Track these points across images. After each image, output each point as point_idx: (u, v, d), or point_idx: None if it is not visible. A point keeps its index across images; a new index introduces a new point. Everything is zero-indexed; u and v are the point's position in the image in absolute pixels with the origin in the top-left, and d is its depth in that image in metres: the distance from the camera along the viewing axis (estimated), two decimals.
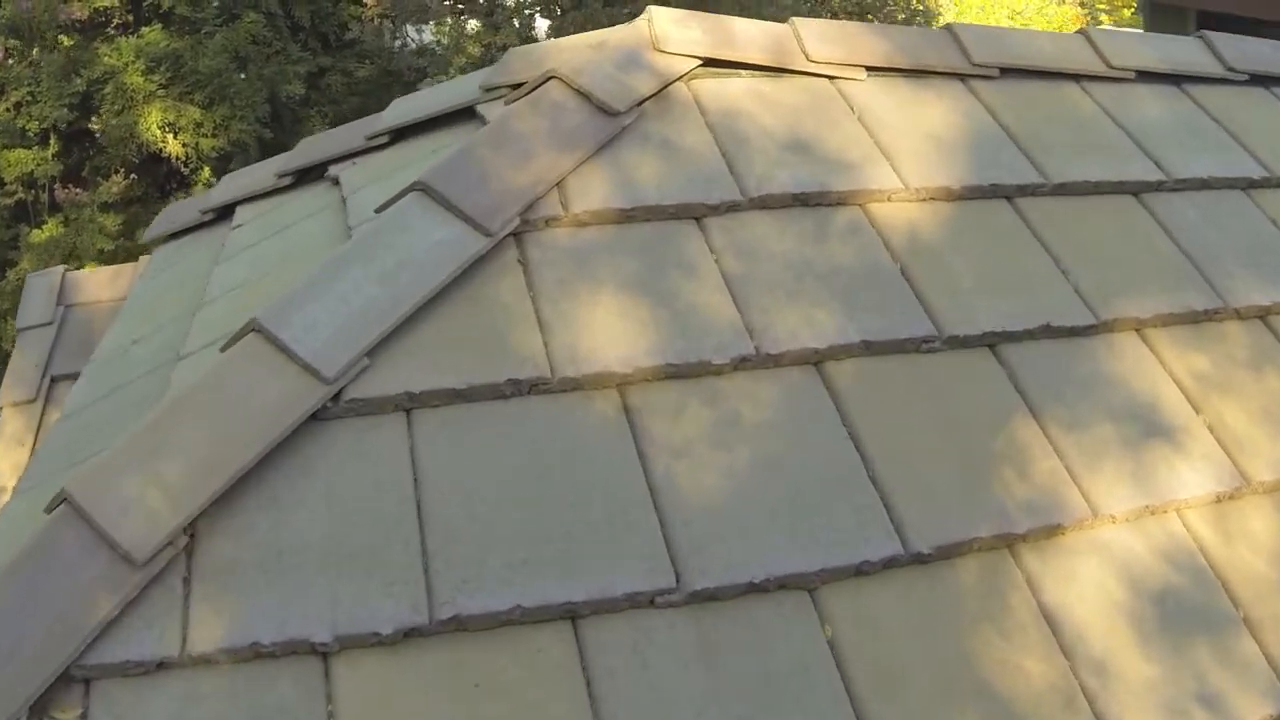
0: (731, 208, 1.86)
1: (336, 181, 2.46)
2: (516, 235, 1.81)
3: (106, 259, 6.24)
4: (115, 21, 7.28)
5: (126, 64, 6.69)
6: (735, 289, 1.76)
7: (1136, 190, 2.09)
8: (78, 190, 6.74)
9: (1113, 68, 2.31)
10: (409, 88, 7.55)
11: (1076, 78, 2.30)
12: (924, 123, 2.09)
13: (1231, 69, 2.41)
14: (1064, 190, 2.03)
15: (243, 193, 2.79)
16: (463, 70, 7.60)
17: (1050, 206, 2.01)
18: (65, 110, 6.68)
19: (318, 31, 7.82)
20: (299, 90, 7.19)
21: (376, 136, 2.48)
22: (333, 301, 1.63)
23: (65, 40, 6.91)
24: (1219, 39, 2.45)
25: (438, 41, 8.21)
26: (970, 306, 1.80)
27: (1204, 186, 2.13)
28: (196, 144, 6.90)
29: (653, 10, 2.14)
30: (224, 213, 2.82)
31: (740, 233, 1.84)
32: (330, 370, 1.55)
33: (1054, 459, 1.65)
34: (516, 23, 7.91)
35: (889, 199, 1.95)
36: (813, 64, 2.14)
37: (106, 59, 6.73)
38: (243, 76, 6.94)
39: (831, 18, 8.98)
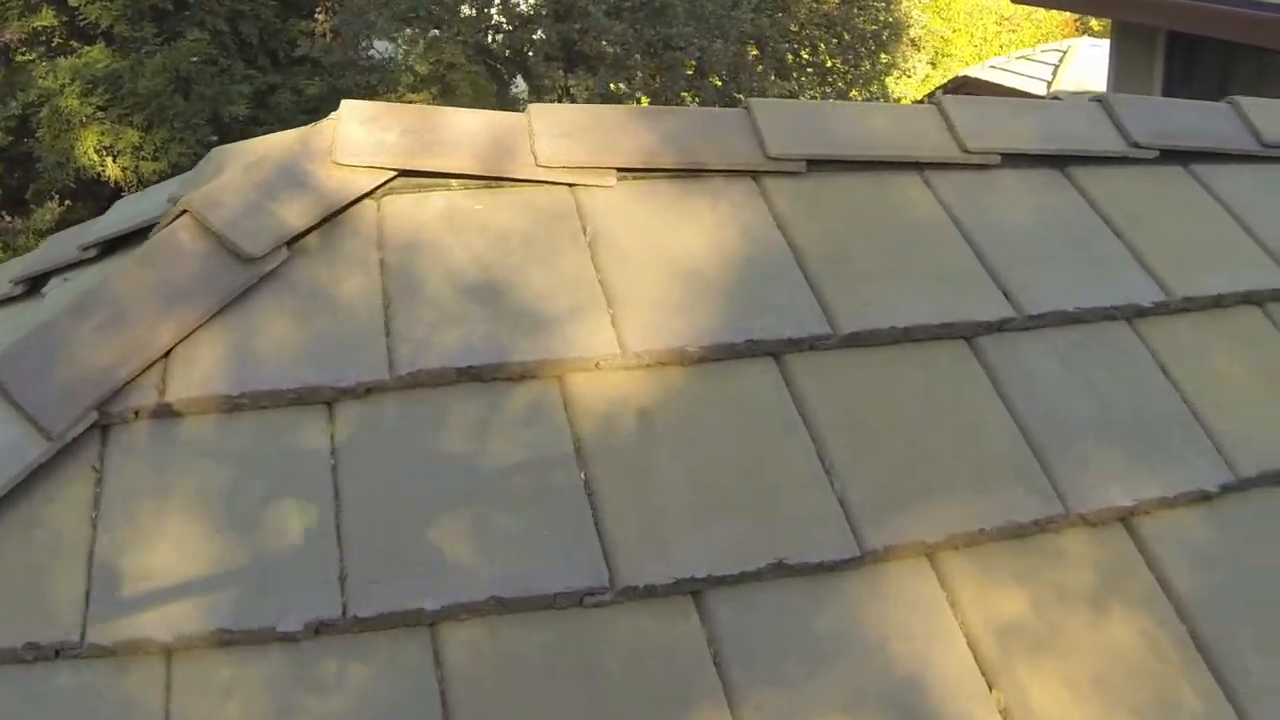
0: (372, 389, 1.39)
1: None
2: (103, 429, 1.38)
3: None
4: (54, 42, 7.08)
5: (63, 86, 6.49)
6: (347, 517, 1.29)
7: (971, 333, 1.55)
8: (11, 218, 6.55)
9: (969, 152, 1.78)
10: None
11: (919, 166, 1.77)
12: (680, 247, 1.59)
13: (1136, 144, 1.85)
14: (858, 341, 1.51)
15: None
16: (412, 88, 7.24)
17: (834, 368, 1.48)
18: (1, 134, 6.51)
19: (266, 48, 7.53)
20: (242, 110, 6.90)
21: (88, 248, 2.07)
22: None
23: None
24: (1123, 103, 1.89)
25: (392, 58, 7.87)
26: (669, 543, 1.29)
27: (1070, 321, 1.59)
28: (136, 167, 6.67)
29: (344, 107, 1.68)
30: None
31: (378, 425, 1.37)
32: None
33: None
34: (464, 39, 7.50)
35: (597, 367, 1.45)
36: (543, 169, 1.64)
37: (42, 81, 6.54)
38: (185, 99, 6.67)
39: (797, 30, 8.41)
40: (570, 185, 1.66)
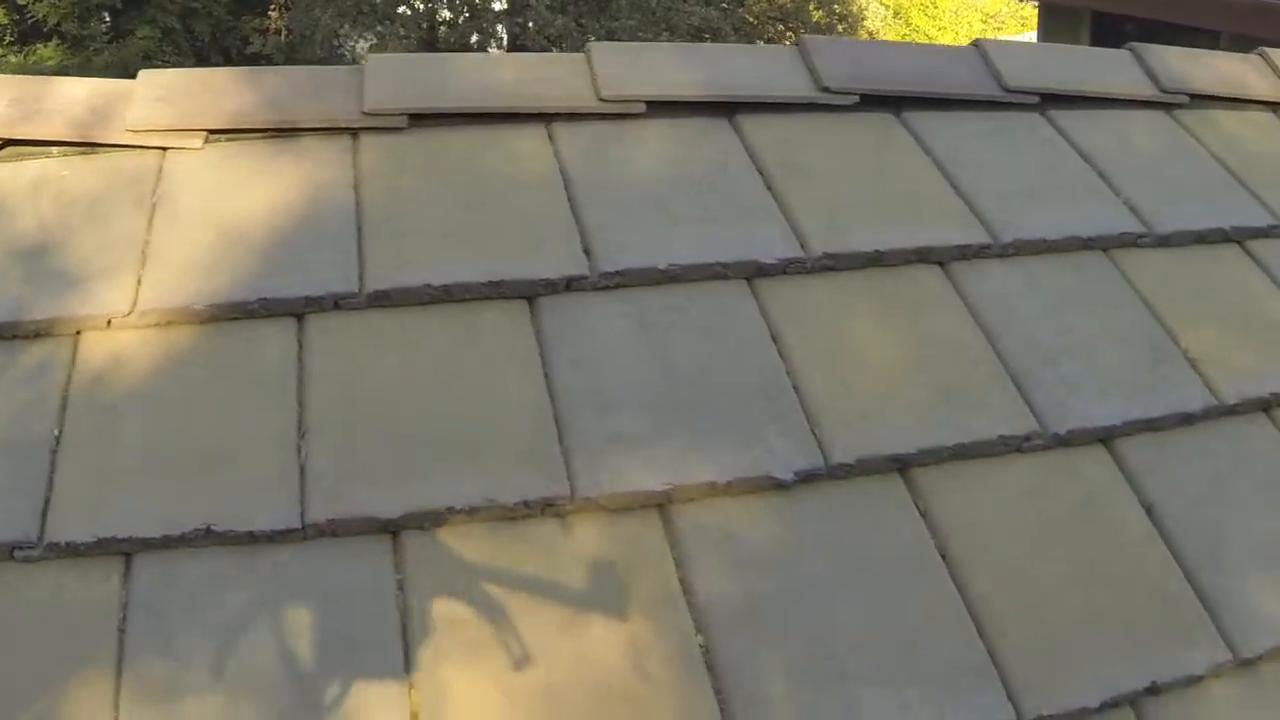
0: None
1: None
2: None
3: None
4: (7, 39, 7.01)
5: None
6: None
7: (530, 293, 1.37)
8: None
9: (606, 100, 1.57)
10: None
11: (546, 118, 1.57)
12: (241, 209, 1.44)
13: (826, 89, 1.64)
14: (387, 300, 1.34)
15: None
16: None
17: (357, 329, 1.32)
18: None
19: (219, 45, 7.45)
20: None
21: None
22: None
23: None
24: (820, 47, 1.68)
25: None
26: (105, 503, 1.14)
27: (667, 280, 1.38)
28: None
29: None
30: None
31: None
32: None
33: None
34: (409, 35, 7.36)
35: (108, 325, 1.30)
36: (131, 134, 1.52)
37: None
38: None
39: (750, 23, 8.19)
40: (162, 149, 1.53)
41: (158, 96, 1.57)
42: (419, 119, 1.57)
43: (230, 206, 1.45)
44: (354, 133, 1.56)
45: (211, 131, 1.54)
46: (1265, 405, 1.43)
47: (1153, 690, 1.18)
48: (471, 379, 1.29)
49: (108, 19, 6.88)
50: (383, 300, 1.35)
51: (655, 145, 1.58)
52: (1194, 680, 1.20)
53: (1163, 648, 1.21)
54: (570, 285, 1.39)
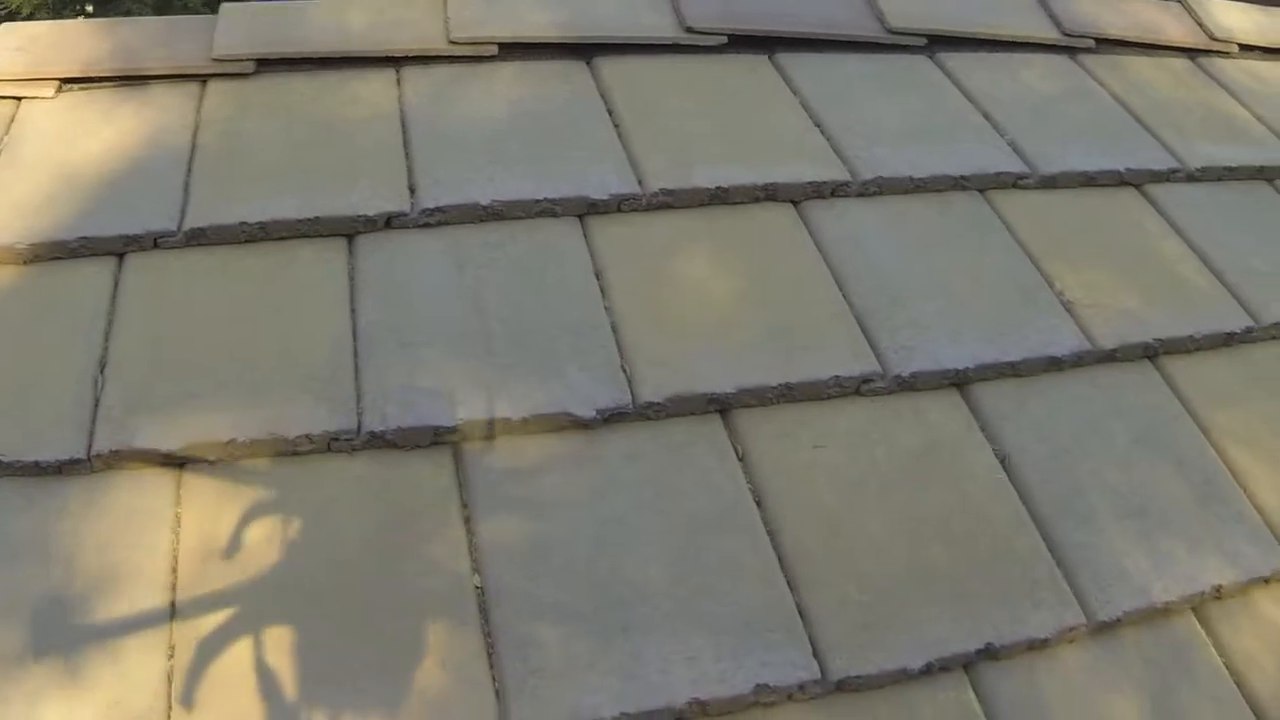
0: None
1: None
2: None
3: None
4: None
5: None
6: None
7: (349, 231, 1.28)
8: None
9: (456, 43, 1.50)
10: None
11: (396, 62, 1.49)
12: (79, 153, 1.38)
13: (690, 29, 1.55)
14: (204, 239, 1.26)
15: None
16: None
17: (175, 268, 1.25)
18: None
19: None
20: None
21: None
22: None
23: None
24: None
25: None
26: None
27: (490, 218, 1.29)
28: None
29: None
30: None
31: None
32: None
33: None
34: None
35: None
36: None
37: None
38: None
39: None
40: (16, 99, 1.49)
41: (17, 47, 1.53)
42: (268, 64, 1.51)
43: (70, 152, 1.39)
44: (203, 80, 1.50)
45: (64, 80, 1.49)
46: (1150, 352, 1.30)
47: (989, 653, 1.05)
48: (277, 316, 1.21)
49: (90, 9, 6.91)
50: (200, 239, 1.28)
51: (504, 88, 1.49)
52: (1039, 644, 1.06)
53: (1004, 607, 1.07)
54: (390, 222, 1.31)
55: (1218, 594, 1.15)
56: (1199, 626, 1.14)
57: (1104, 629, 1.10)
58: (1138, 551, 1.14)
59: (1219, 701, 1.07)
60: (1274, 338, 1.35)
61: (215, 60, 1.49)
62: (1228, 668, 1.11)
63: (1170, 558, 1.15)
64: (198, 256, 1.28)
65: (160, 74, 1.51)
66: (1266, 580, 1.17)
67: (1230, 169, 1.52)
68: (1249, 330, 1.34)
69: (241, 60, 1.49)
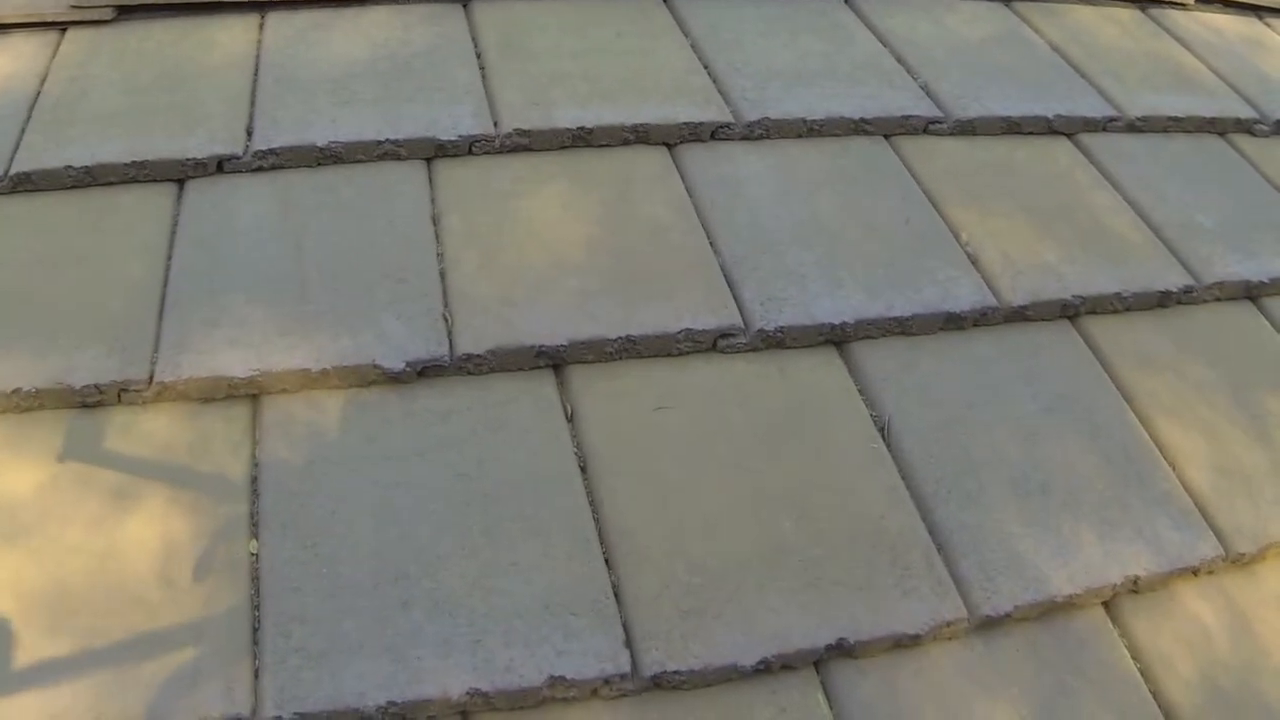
0: None
1: None
2: None
3: None
4: None
5: None
6: None
7: (179, 175, 1.16)
8: None
9: None
10: None
11: (261, 6, 1.38)
12: None
13: None
14: (29, 184, 1.15)
15: None
16: None
17: (3, 210, 1.12)
18: None
19: None
20: None
21: None
22: None
23: None
24: None
25: None
26: None
27: (328, 160, 1.15)
28: None
29: None
30: None
31: None
32: None
33: None
34: None
35: None
36: None
37: None
38: None
39: None
40: None
41: None
42: (129, 11, 1.41)
43: None
44: (63, 27, 1.40)
45: None
46: (1069, 310, 1.13)
47: (844, 650, 0.88)
48: (89, 263, 1.08)
49: None
50: (24, 185, 1.17)
51: (367, 30, 1.36)
52: (907, 640, 0.89)
53: (864, 596, 0.90)
54: (221, 166, 1.18)
55: (1134, 586, 0.97)
56: (1110, 624, 0.96)
57: (989, 624, 0.92)
58: (1036, 536, 0.96)
59: (1123, 712, 0.90)
60: (1217, 298, 1.18)
61: (74, 8, 1.39)
62: (1140, 672, 0.93)
63: (1076, 543, 0.97)
64: (20, 203, 1.16)
65: (20, 22, 1.42)
66: (1195, 571, 0.99)
67: (1176, 119, 1.35)
68: (1188, 289, 1.17)
69: (100, 8, 1.39)
